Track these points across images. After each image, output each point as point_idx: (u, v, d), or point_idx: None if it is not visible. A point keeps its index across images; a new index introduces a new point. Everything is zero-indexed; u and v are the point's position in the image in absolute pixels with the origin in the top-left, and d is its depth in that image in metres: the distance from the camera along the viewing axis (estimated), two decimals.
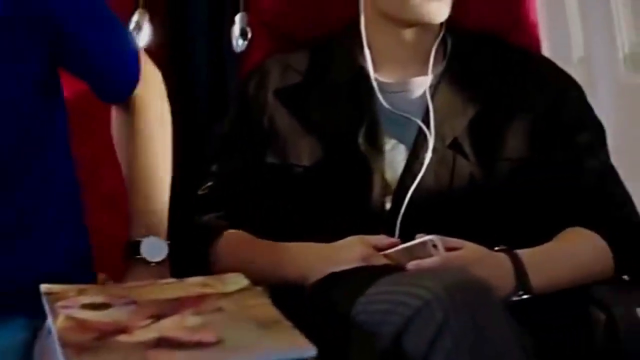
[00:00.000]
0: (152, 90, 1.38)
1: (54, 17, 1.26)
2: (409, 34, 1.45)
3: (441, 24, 1.46)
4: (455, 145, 1.41)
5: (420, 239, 1.25)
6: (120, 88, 1.36)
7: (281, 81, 1.48)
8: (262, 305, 1.04)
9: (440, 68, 1.46)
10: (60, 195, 1.33)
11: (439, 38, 1.47)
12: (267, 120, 1.45)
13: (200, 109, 1.69)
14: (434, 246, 1.23)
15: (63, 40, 1.28)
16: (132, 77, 1.36)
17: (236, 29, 1.60)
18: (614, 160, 2.79)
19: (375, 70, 1.46)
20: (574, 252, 1.36)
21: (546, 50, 3.98)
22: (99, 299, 1.03)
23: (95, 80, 1.35)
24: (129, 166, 1.35)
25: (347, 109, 1.44)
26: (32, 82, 1.27)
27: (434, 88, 1.44)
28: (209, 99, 1.69)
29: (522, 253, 1.31)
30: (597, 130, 1.47)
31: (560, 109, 1.44)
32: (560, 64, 3.65)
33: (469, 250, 1.27)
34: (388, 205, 1.39)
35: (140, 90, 1.36)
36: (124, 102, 1.36)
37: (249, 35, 1.60)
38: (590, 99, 2.98)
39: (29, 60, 1.27)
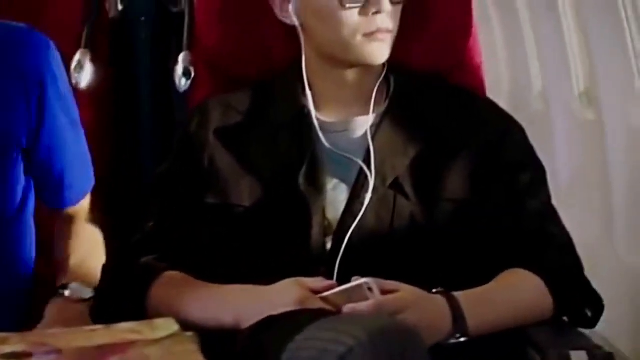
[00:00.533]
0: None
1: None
2: (350, 74, 1.45)
3: (383, 63, 1.46)
4: (396, 185, 1.40)
5: (355, 282, 1.24)
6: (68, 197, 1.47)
7: (222, 121, 1.47)
8: (188, 353, 1.02)
9: (382, 108, 1.46)
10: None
11: (381, 78, 1.47)
12: (208, 160, 1.45)
13: (145, 148, 1.68)
14: (370, 289, 1.23)
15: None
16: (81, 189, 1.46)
17: (179, 69, 1.61)
18: (569, 194, 2.83)
19: (317, 109, 1.45)
20: (512, 294, 1.35)
21: (507, 84, 4.03)
22: (20, 347, 1.01)
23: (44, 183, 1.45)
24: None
25: (289, 148, 1.44)
26: None
27: (376, 128, 1.44)
28: (154, 139, 1.69)
29: (460, 295, 1.30)
30: (538, 170, 1.47)
31: (500, 150, 1.44)
32: (521, 97, 3.70)
33: (405, 293, 1.26)
34: (329, 246, 1.38)
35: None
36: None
37: (192, 75, 1.61)
38: (547, 134, 3.02)
39: None
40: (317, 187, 1.40)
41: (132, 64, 1.69)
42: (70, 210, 1.48)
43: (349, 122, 1.45)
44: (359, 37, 1.40)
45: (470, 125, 1.45)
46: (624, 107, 2.22)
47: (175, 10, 1.71)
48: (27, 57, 1.40)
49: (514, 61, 3.66)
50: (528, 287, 1.36)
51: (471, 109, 1.48)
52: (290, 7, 1.44)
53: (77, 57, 1.57)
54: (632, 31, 2.15)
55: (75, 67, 1.56)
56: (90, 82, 1.57)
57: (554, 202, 2.87)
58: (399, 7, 1.43)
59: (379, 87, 1.47)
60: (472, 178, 1.42)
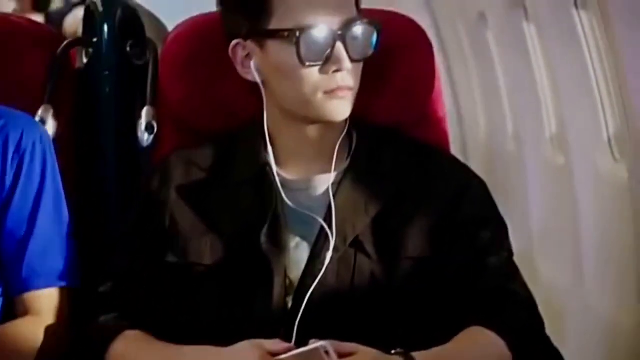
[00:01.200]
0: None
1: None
2: (312, 130, 1.45)
3: (346, 119, 1.46)
4: (356, 244, 1.40)
5: (312, 345, 1.23)
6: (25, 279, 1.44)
7: (184, 177, 1.47)
8: None
9: (344, 165, 1.46)
10: None
11: (343, 134, 1.47)
12: (169, 219, 1.44)
13: (109, 203, 1.67)
14: (326, 352, 1.22)
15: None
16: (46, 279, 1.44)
17: (142, 124, 1.60)
18: (540, 239, 2.83)
19: (279, 166, 1.45)
20: (472, 353, 1.35)
21: (484, 126, 4.05)
22: None
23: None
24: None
25: (251, 206, 1.43)
26: None
27: (337, 185, 1.44)
28: (118, 193, 1.68)
29: (420, 355, 1.30)
30: (499, 226, 1.47)
31: (461, 206, 1.44)
32: (496, 138, 3.71)
33: (362, 355, 1.26)
34: (290, 305, 1.37)
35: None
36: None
37: (155, 130, 1.60)
38: (521, 177, 3.03)
39: None
40: (279, 246, 1.40)
41: (96, 117, 1.68)
42: (26, 298, 1.45)
43: (310, 180, 1.44)
44: (319, 95, 1.40)
45: (430, 181, 1.45)
46: (592, 154, 2.24)
47: (139, 63, 1.70)
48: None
49: (490, 102, 3.69)
50: (488, 346, 1.35)
51: (432, 164, 1.48)
52: (252, 64, 1.44)
53: (40, 112, 1.56)
54: (599, 80, 2.18)
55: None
56: (53, 138, 1.56)
57: (526, 247, 2.89)
58: (360, 65, 1.43)
59: (341, 142, 1.47)
60: (433, 235, 1.42)
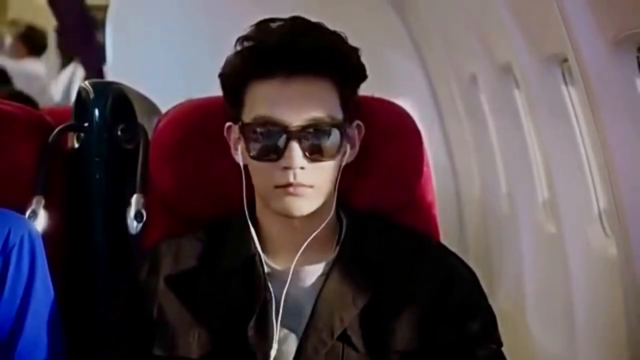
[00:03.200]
0: None
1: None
2: (296, 221, 1.45)
3: (335, 208, 1.47)
4: (344, 337, 1.40)
5: None
6: None
7: (173, 267, 1.47)
8: None
9: (332, 255, 1.46)
10: None
11: (325, 223, 1.45)
12: (157, 309, 1.44)
13: (98, 290, 1.67)
14: None
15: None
16: None
17: (131, 211, 1.61)
18: (533, 305, 2.83)
19: (268, 255, 1.45)
20: None
21: (478, 181, 4.04)
22: None
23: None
24: None
25: (239, 297, 1.43)
26: None
27: (325, 277, 1.44)
28: (108, 280, 1.68)
29: None
30: (488, 316, 1.47)
31: (448, 297, 1.44)
32: (490, 194, 3.70)
33: None
34: None
35: None
36: None
37: (145, 218, 1.61)
38: (515, 239, 3.03)
39: None
40: (265, 338, 1.40)
41: (86, 204, 1.69)
42: None
43: (298, 271, 1.44)
44: (274, 189, 1.41)
45: (418, 271, 1.45)
46: (584, 227, 2.25)
47: (130, 147, 1.72)
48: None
49: (483, 159, 3.71)
50: None
51: (420, 253, 1.48)
52: (239, 147, 1.46)
53: (33, 205, 1.57)
54: (588, 154, 2.19)
55: (30, 214, 1.57)
56: (44, 228, 1.57)
57: (519, 309, 2.88)
58: (328, 163, 1.42)
59: (329, 231, 1.47)
60: (421, 326, 1.42)
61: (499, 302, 2.85)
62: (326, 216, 1.46)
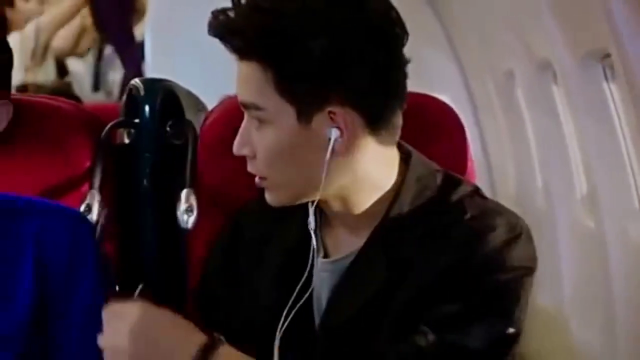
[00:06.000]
0: None
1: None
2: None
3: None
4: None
5: None
6: None
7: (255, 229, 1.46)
8: None
9: (360, 243, 1.38)
10: None
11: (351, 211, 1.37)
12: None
13: (150, 282, 1.71)
14: None
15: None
16: None
17: (182, 205, 1.64)
18: (570, 304, 2.82)
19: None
20: None
21: (513, 176, 4.04)
22: None
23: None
24: None
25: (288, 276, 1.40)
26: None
27: (350, 264, 1.38)
28: (159, 274, 1.72)
29: None
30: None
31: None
32: (526, 189, 3.70)
33: None
34: None
35: None
36: None
37: (195, 211, 1.64)
38: (552, 236, 3.03)
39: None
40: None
41: (136, 198, 1.73)
42: None
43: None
44: None
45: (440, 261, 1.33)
46: (623, 221, 2.25)
47: (178, 142, 1.75)
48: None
49: (518, 154, 3.71)
50: None
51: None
52: None
53: (87, 199, 1.61)
54: (629, 147, 2.20)
55: (84, 209, 1.61)
56: (98, 222, 1.61)
57: (558, 306, 2.87)
58: (272, 156, 1.32)
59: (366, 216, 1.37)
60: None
61: (535, 299, 2.85)
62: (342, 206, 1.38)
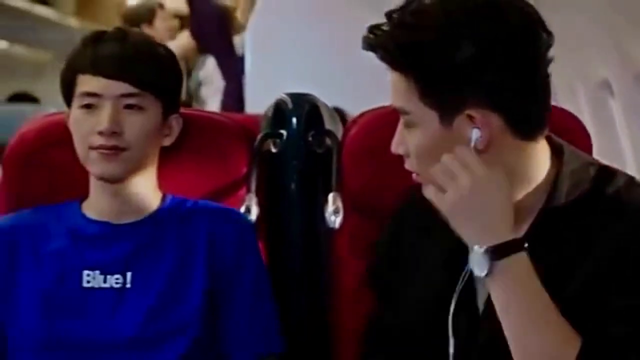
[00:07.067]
0: None
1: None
2: None
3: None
4: None
5: None
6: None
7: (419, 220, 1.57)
8: None
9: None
10: None
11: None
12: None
13: (294, 280, 1.89)
14: None
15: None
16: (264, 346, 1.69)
17: (329, 207, 1.80)
18: None
19: None
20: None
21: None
22: None
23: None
24: None
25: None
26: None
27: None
28: (303, 276, 1.89)
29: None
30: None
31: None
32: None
33: None
34: None
35: None
36: None
37: (341, 213, 1.81)
38: None
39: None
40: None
41: (284, 201, 1.90)
42: None
43: None
44: None
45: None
46: None
47: (320, 151, 1.91)
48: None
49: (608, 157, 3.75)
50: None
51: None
52: None
53: (246, 201, 1.80)
54: None
55: (245, 210, 1.80)
56: (255, 222, 1.80)
57: None
58: (421, 157, 1.46)
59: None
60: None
61: None
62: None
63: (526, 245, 1.39)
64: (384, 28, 1.45)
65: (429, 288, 1.51)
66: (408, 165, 1.49)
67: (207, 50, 4.52)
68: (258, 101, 3.12)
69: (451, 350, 1.46)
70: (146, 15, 4.66)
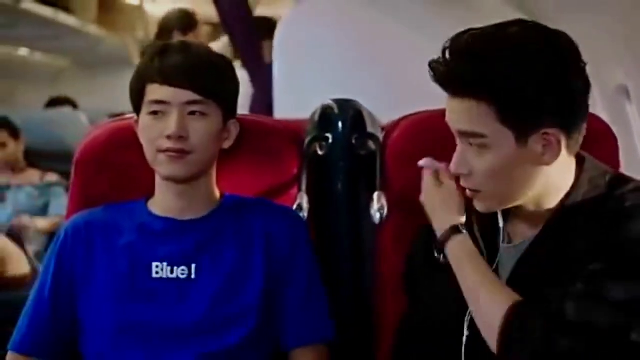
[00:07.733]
0: None
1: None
2: None
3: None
4: None
5: None
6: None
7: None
8: None
9: (533, 234, 1.64)
10: None
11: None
12: None
13: (341, 272, 2.03)
14: None
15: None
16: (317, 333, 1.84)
17: (375, 205, 1.95)
18: None
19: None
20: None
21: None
22: None
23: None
24: None
25: None
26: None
27: (520, 257, 1.66)
28: (351, 271, 2.04)
29: None
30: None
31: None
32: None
33: None
34: None
35: None
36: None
37: (386, 210, 1.95)
38: None
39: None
40: None
41: (332, 200, 2.04)
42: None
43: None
44: None
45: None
46: None
47: (363, 153, 2.06)
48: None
49: (630, 173, 3.82)
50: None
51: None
52: None
53: (298, 200, 1.95)
54: None
55: (296, 207, 1.95)
56: (306, 219, 1.94)
57: None
58: (490, 177, 1.58)
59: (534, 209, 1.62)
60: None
61: None
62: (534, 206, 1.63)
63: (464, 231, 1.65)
64: (448, 61, 1.54)
65: (452, 288, 1.65)
66: (468, 183, 1.59)
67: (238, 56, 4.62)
68: (286, 108, 3.27)
69: (464, 341, 1.62)
70: (182, 23, 4.74)
